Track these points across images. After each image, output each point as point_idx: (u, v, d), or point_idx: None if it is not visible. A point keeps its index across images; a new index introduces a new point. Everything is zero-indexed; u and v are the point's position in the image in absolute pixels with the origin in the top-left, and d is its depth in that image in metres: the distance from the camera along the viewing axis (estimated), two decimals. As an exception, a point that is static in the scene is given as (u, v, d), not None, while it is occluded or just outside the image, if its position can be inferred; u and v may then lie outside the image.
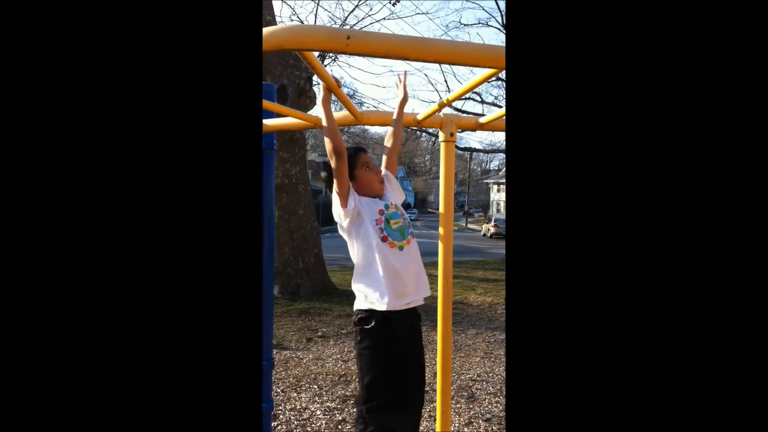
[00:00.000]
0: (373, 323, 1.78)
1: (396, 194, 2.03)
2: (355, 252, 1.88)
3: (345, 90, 15.64)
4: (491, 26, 15.27)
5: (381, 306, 1.76)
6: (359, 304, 1.84)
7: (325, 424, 3.06)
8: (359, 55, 1.19)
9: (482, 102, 14.83)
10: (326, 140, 1.76)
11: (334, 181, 1.79)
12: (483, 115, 2.23)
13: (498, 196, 46.53)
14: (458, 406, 3.38)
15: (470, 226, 37.57)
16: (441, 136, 2.12)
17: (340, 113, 2.10)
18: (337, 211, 1.84)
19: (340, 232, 1.93)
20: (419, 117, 2.08)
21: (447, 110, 2.14)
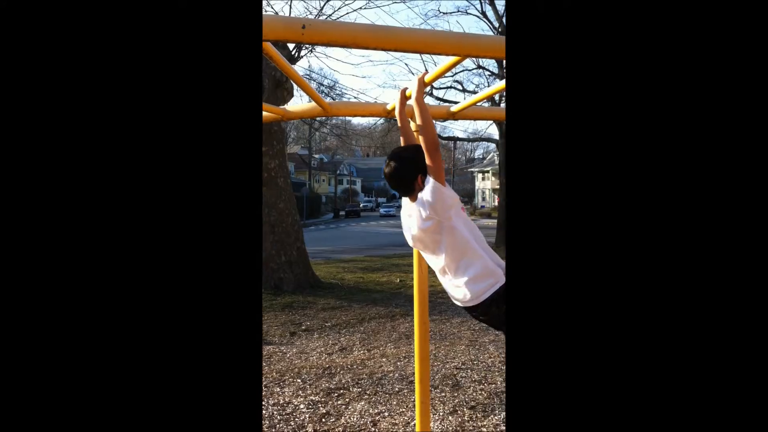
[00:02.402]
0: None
1: None
2: (456, 241, 1.80)
3: (325, 81, 15.51)
4: (470, 14, 15.24)
5: (501, 275, 1.80)
6: (487, 288, 1.78)
7: (309, 417, 3.06)
8: (316, 44, 1.17)
9: (464, 90, 14.83)
10: (423, 136, 1.74)
11: (434, 172, 1.75)
12: (456, 102, 2.21)
13: (483, 184, 46.76)
14: (443, 394, 3.40)
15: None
16: (413, 125, 2.10)
17: (308, 105, 2.07)
18: (442, 200, 1.75)
19: (427, 225, 1.79)
20: (389, 107, 2.06)
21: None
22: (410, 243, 1.96)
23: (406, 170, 1.83)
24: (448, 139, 17.87)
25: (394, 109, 2.03)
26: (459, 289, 1.83)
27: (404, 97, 1.91)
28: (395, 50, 1.16)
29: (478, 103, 2.19)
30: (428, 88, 13.27)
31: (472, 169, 50.89)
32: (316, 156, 43.53)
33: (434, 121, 2.20)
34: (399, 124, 2.01)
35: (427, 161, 1.75)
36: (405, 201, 1.92)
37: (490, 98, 11.00)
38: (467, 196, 50.19)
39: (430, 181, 1.74)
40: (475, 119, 2.63)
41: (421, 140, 1.76)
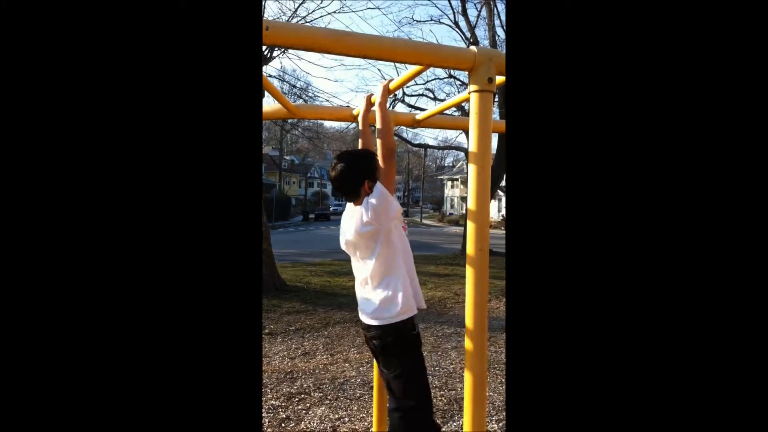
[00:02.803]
0: (417, 329, 1.80)
1: None
2: (387, 255, 1.77)
3: (298, 83, 15.42)
4: (443, 23, 15.41)
5: (414, 309, 1.78)
6: (396, 314, 1.74)
7: (268, 422, 3.01)
8: (279, 45, 1.17)
9: (434, 99, 14.97)
10: (381, 141, 1.74)
11: (385, 179, 1.74)
12: (425, 109, 2.23)
13: (452, 192, 47.23)
14: (403, 400, 3.41)
15: (425, 221, 37.99)
16: (377, 132, 2.11)
17: (274, 106, 2.06)
18: (386, 207, 1.72)
19: (366, 230, 1.75)
20: (355, 112, 2.06)
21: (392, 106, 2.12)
22: (343, 246, 1.91)
23: (354, 173, 1.79)
24: (419, 146, 18.01)
25: (357, 112, 2.04)
26: (369, 302, 1.80)
27: (369, 103, 1.92)
28: (355, 56, 1.17)
29: (447, 112, 2.22)
30: (399, 94, 13.33)
31: (442, 177, 51.36)
32: (287, 158, 43.13)
33: (403, 128, 2.22)
34: (360, 128, 2.02)
35: (381, 165, 1.76)
36: (349, 204, 1.90)
37: (459, 107, 11.13)
38: (437, 203, 50.64)
39: (379, 186, 1.73)
40: (439, 128, 2.66)
41: (378, 144, 1.76)
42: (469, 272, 1.25)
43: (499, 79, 1.31)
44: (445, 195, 49.74)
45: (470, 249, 1.26)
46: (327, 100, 15.18)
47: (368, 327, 1.81)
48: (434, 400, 3.42)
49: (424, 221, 37.95)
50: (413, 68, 1.51)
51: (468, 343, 1.26)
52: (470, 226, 1.26)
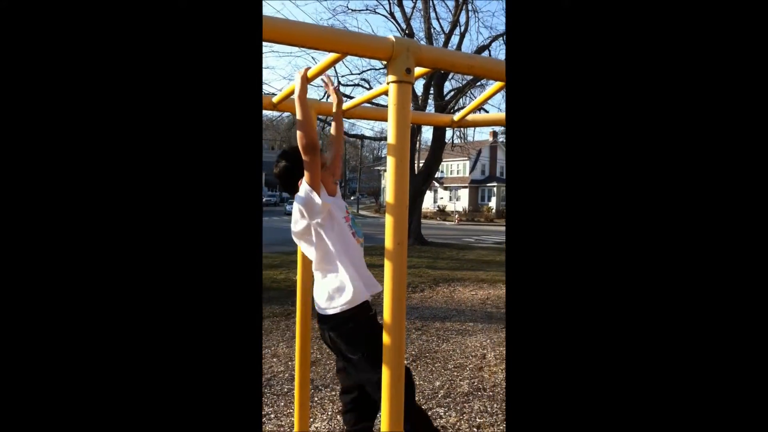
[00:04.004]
0: (373, 311, 1.87)
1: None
2: (323, 247, 1.84)
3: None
4: (379, 14, 15.37)
5: (363, 294, 1.84)
6: (348, 301, 1.81)
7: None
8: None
9: (370, 89, 14.92)
10: (300, 134, 1.72)
11: (306, 174, 1.76)
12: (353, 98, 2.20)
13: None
14: (333, 393, 3.39)
15: (361, 212, 38.07)
16: (297, 124, 2.05)
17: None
18: (310, 204, 1.78)
19: (300, 226, 1.84)
20: (274, 99, 1.99)
21: (318, 95, 2.06)
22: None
23: (291, 170, 1.89)
24: (355, 137, 17.97)
25: (280, 101, 1.97)
26: (321, 294, 1.88)
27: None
28: (266, 41, 1.11)
29: (369, 104, 2.19)
30: (335, 84, 13.16)
31: (379, 168, 51.63)
32: (219, 147, 41.73)
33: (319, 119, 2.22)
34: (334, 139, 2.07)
35: (303, 159, 1.75)
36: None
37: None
38: (373, 194, 50.94)
39: (303, 183, 1.78)
40: (362, 119, 2.66)
41: (297, 138, 1.74)
42: (387, 266, 1.23)
43: (419, 70, 1.29)
44: (383, 186, 50.08)
45: (388, 242, 1.24)
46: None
47: (324, 318, 1.86)
48: (364, 392, 3.43)
49: (361, 212, 38.02)
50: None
51: (385, 338, 1.24)
52: (388, 219, 1.24)
